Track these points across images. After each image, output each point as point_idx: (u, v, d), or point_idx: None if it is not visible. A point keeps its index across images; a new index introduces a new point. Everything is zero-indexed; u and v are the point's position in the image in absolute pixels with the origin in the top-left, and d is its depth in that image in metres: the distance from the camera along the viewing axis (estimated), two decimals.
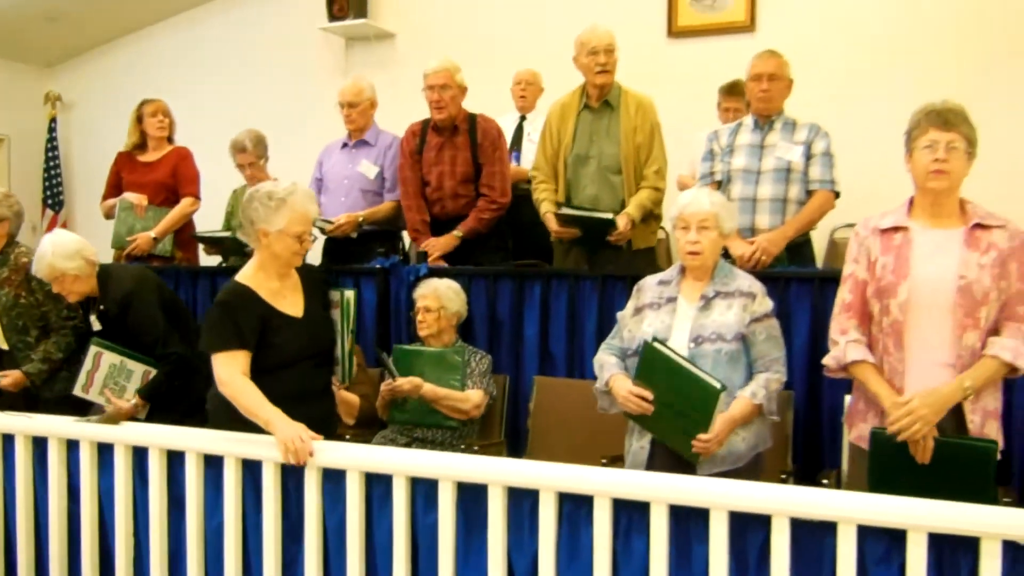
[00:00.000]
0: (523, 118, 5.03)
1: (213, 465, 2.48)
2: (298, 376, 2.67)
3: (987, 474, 2.24)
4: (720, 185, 3.67)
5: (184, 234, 4.71)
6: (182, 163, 4.72)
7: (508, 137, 4.61)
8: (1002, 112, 4.71)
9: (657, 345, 2.55)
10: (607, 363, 2.77)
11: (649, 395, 2.53)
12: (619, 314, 2.90)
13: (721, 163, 3.68)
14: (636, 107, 3.85)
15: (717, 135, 3.75)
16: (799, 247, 3.65)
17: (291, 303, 2.73)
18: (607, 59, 3.74)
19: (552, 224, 3.79)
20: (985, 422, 2.32)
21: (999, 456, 2.24)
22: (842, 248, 3.81)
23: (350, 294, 2.81)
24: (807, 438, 3.22)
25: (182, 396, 3.35)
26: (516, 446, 3.63)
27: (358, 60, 6.30)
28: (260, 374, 2.58)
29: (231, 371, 2.54)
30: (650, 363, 2.57)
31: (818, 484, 2.76)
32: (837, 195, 3.58)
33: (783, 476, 2.83)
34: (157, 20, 6.85)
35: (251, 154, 4.39)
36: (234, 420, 2.52)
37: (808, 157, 3.56)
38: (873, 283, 2.40)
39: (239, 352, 2.57)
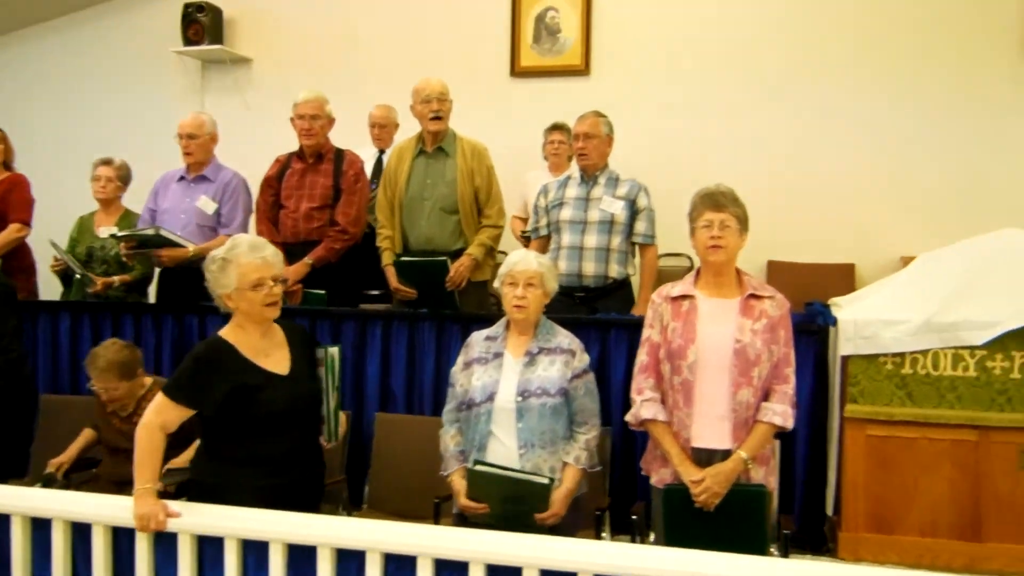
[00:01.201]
0: (382, 152, 5.17)
1: (41, 528, 2.50)
2: (286, 435, 2.61)
3: (761, 515, 2.63)
4: (548, 239, 3.98)
5: (17, 262, 4.57)
6: (15, 189, 4.58)
7: (368, 170, 4.74)
8: (829, 148, 5.29)
9: (479, 468, 2.79)
10: (447, 450, 2.98)
11: (484, 508, 2.79)
12: (451, 371, 3.10)
13: (548, 216, 3.98)
14: (471, 152, 4.08)
15: (546, 190, 4.05)
16: (620, 288, 3.97)
17: (276, 360, 2.65)
18: (439, 106, 3.95)
19: (392, 280, 4.00)
20: (757, 470, 2.68)
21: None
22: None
23: (334, 350, 2.72)
24: (623, 471, 3.54)
25: None
26: (359, 482, 3.77)
27: (215, 84, 6.26)
28: (247, 433, 2.56)
29: (156, 419, 2.50)
30: (477, 484, 2.82)
31: (629, 517, 3.09)
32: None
33: (598, 512, 3.12)
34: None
35: (112, 172, 4.46)
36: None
37: (633, 212, 3.91)
38: (665, 346, 2.71)
39: (181, 408, 2.52)
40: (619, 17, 5.62)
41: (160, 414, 2.52)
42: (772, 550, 2.86)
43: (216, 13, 5.99)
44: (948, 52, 5.12)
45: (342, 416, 2.77)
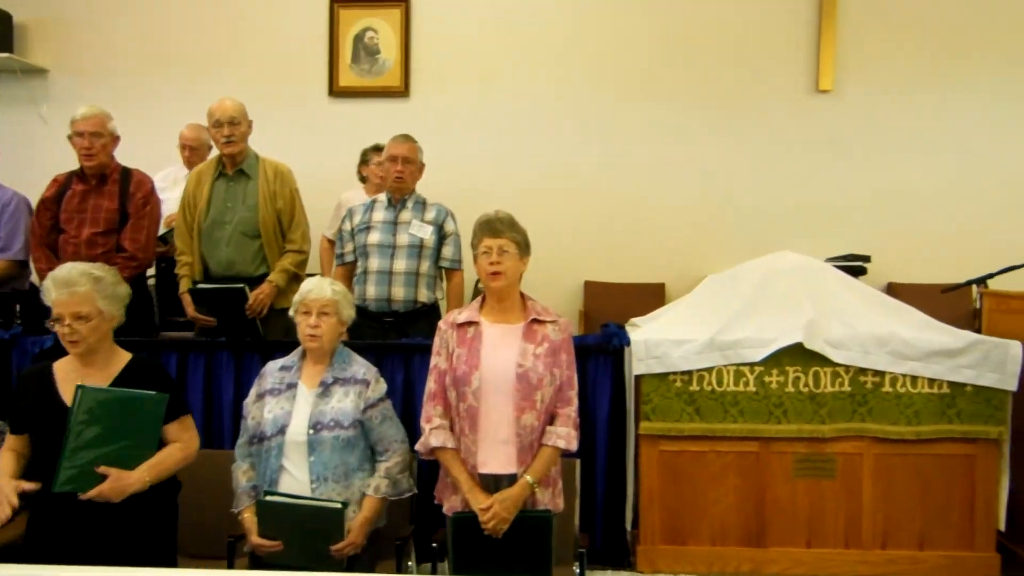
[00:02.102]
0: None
1: None
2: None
3: (547, 539, 2.66)
4: (354, 265, 3.92)
5: None
6: None
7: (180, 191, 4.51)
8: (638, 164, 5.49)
9: (268, 499, 2.69)
10: (239, 486, 2.87)
11: (276, 545, 2.69)
12: (245, 402, 2.99)
13: (354, 241, 3.92)
14: (274, 174, 3.95)
15: (351, 214, 3.99)
16: (429, 312, 3.95)
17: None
18: (231, 131, 3.81)
19: (188, 308, 3.83)
20: (543, 492, 2.71)
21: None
22: None
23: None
24: (431, 497, 3.50)
25: None
26: None
27: (6, 94, 5.79)
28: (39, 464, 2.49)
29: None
30: (268, 519, 2.71)
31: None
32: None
33: (398, 542, 3.06)
34: None
35: None
36: None
37: (441, 237, 3.92)
38: (451, 373, 2.71)
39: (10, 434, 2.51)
40: (438, 40, 5.65)
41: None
42: (574, 568, 2.91)
43: (5, 19, 5.56)
44: (747, 86, 5.48)
45: (115, 472, 2.48)
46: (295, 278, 3.98)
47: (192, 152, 4.93)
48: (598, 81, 5.58)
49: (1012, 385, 3.40)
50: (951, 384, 3.42)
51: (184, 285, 3.89)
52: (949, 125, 5.42)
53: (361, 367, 2.97)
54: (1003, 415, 3.42)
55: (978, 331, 3.76)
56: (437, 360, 2.78)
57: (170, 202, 4.55)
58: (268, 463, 2.81)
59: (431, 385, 2.78)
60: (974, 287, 4.07)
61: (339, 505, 2.68)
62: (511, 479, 2.66)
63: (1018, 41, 5.39)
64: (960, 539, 3.47)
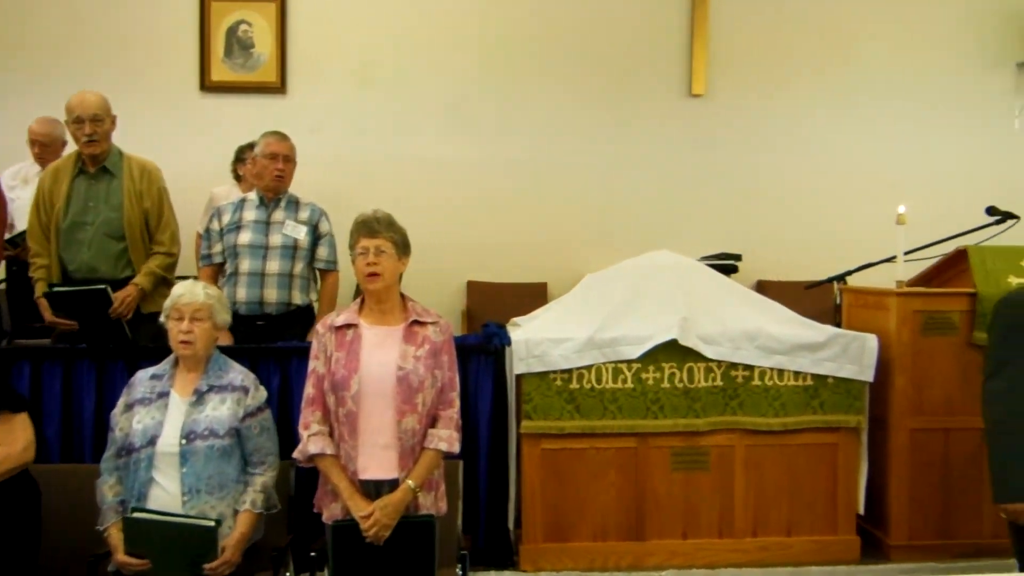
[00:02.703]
0: None
1: None
2: None
3: (430, 544, 2.62)
4: (222, 266, 3.77)
5: None
6: None
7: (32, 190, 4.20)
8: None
9: (136, 515, 2.57)
10: (104, 501, 2.73)
11: (144, 564, 2.55)
12: (112, 413, 2.84)
13: (223, 241, 3.77)
14: (140, 172, 3.76)
15: (220, 213, 3.83)
16: (303, 315, 3.85)
17: None
18: (94, 129, 3.58)
19: (46, 313, 3.59)
20: (426, 496, 2.68)
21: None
22: None
23: None
24: (309, 505, 3.41)
25: None
26: None
27: None
28: None
29: None
30: (135, 536, 2.58)
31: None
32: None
33: (274, 553, 2.96)
34: None
35: None
36: None
37: (316, 237, 3.82)
38: (329, 377, 2.64)
39: None
40: (315, 35, 5.53)
41: None
42: (457, 571, 2.89)
43: None
44: (624, 89, 5.63)
45: None
46: (163, 281, 3.80)
47: (43, 148, 4.59)
48: (479, 79, 5.59)
49: (869, 376, 3.60)
50: (814, 376, 3.59)
51: (40, 289, 3.64)
52: (812, 128, 5.72)
53: (239, 374, 2.87)
54: (861, 405, 3.63)
55: (838, 325, 3.97)
56: (315, 364, 2.70)
57: (20, 202, 4.26)
58: (137, 476, 2.69)
59: (309, 390, 2.71)
60: (835, 284, 4.29)
61: (212, 523, 2.58)
62: (393, 484, 2.62)
63: (871, 50, 5.73)
64: (824, 524, 3.65)
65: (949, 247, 3.90)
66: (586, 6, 5.62)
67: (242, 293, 3.70)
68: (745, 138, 5.69)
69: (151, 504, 2.66)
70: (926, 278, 3.98)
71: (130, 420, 2.75)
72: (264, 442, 2.86)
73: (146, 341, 3.70)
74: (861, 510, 3.67)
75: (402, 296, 2.77)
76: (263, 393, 2.91)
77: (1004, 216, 4.02)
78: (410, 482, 2.61)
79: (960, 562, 3.56)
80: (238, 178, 4.93)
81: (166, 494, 2.67)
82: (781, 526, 3.64)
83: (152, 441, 2.69)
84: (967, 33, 5.80)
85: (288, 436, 3.25)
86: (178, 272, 4.08)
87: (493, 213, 5.59)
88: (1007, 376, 2.61)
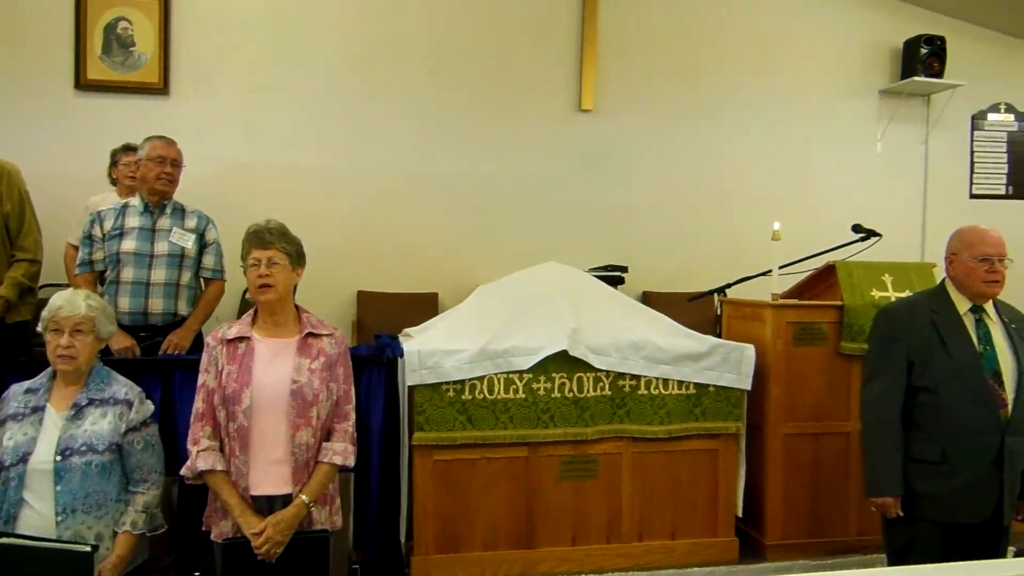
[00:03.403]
0: None
1: None
2: None
3: (325, 559, 2.60)
4: (103, 274, 3.61)
5: None
6: None
7: None
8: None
9: (3, 541, 2.41)
10: None
11: None
12: None
13: (104, 248, 3.62)
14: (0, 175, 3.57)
15: (101, 219, 3.66)
16: None
17: None
18: None
19: None
20: (320, 511, 2.66)
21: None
22: None
23: None
24: (195, 523, 3.30)
25: None
26: None
27: None
28: None
29: None
30: (2, 565, 2.42)
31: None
32: (225, 281, 3.82)
33: (155, 574, 2.86)
34: None
35: None
36: None
37: (202, 246, 3.72)
38: (220, 391, 2.58)
39: None
40: (202, 36, 5.36)
41: None
42: None
43: None
44: (516, 103, 5.71)
45: None
46: (28, 291, 3.61)
47: None
48: (371, 88, 5.56)
49: (747, 384, 3.78)
50: (697, 385, 3.74)
51: None
52: (695, 146, 5.96)
53: (123, 387, 2.76)
54: (740, 412, 3.80)
55: (719, 336, 4.16)
56: (205, 378, 2.63)
57: None
58: (5, 497, 2.55)
59: (199, 405, 2.63)
60: (716, 296, 4.49)
61: (87, 548, 2.44)
62: (286, 500, 2.58)
63: (751, 74, 6.03)
64: (706, 526, 3.81)
65: (819, 262, 4.15)
66: (478, 21, 5.68)
67: (125, 303, 3.56)
68: (632, 153, 5.87)
69: (21, 528, 2.52)
70: (799, 291, 4.21)
71: (0, 437, 2.60)
72: (147, 458, 2.76)
73: (12, 354, 3.51)
74: (740, 512, 3.85)
75: (296, 308, 2.73)
76: (149, 407, 2.81)
77: (868, 233, 4.31)
78: (304, 497, 2.58)
79: (829, 559, 3.78)
80: (114, 182, 4.72)
81: (37, 516, 2.54)
82: (665, 530, 3.77)
83: (24, 458, 2.56)
84: (836, 62, 6.19)
85: (171, 453, 3.16)
86: (42, 281, 3.89)
87: (384, 223, 5.56)
88: (881, 382, 2.83)
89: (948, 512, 2.73)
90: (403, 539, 3.56)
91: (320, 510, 2.66)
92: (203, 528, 2.70)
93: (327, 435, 2.67)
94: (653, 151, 5.90)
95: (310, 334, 2.68)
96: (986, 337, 2.78)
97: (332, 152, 5.50)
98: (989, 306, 2.83)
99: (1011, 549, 2.84)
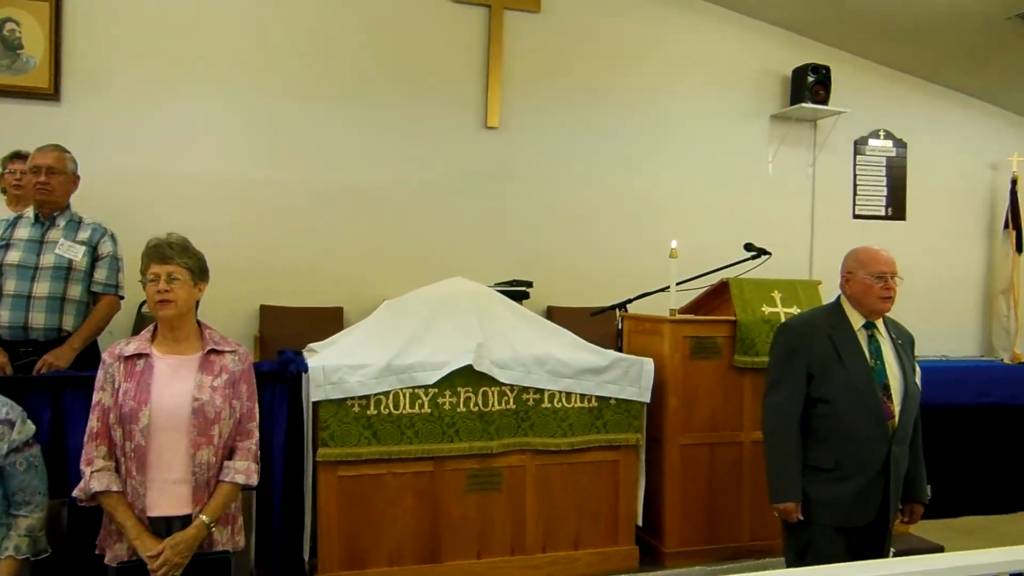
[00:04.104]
0: None
1: None
2: None
3: None
4: None
5: None
6: None
7: None
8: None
9: None
10: None
11: None
12: None
13: None
14: None
15: None
16: None
17: None
18: None
19: None
20: (221, 531, 2.61)
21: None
22: None
23: None
24: (87, 546, 3.18)
25: None
26: None
27: None
28: None
29: None
30: None
31: None
32: (121, 298, 3.69)
33: None
34: None
35: None
36: None
37: (94, 258, 3.59)
38: (116, 410, 2.51)
39: None
40: (95, 40, 5.19)
41: None
42: None
43: None
44: (424, 119, 5.74)
45: None
46: None
47: None
48: (277, 101, 5.49)
49: (646, 397, 3.90)
50: (598, 398, 3.84)
51: None
52: (597, 164, 6.11)
53: (3, 406, 2.66)
54: (639, 424, 3.92)
55: (620, 350, 4.27)
56: (101, 396, 2.55)
57: None
58: None
59: (93, 424, 2.55)
60: (617, 311, 4.61)
61: None
62: (185, 520, 2.53)
63: (652, 95, 6.23)
64: (607, 536, 3.90)
65: (714, 279, 4.32)
66: (386, 35, 5.69)
67: (5, 316, 3.41)
68: (537, 170, 5.98)
69: None
70: (695, 306, 4.38)
71: None
72: (31, 480, 2.66)
73: None
74: (640, 521, 3.96)
75: (199, 323, 2.68)
76: (31, 427, 2.71)
77: (759, 252, 4.51)
78: (204, 517, 2.53)
79: (725, 563, 3.93)
80: (3, 191, 4.52)
81: None
82: (569, 540, 3.84)
83: None
84: (731, 86, 6.47)
85: (60, 474, 3.05)
86: None
87: (289, 236, 5.49)
88: (781, 393, 2.99)
89: (839, 516, 2.91)
90: (307, 557, 3.52)
91: (221, 530, 2.62)
92: (96, 552, 2.61)
93: (229, 453, 2.63)
94: (557, 168, 6.03)
95: (212, 351, 2.63)
96: (877, 352, 2.97)
97: (235, 163, 5.40)
98: (880, 323, 3.03)
99: (892, 550, 3.04)
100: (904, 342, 3.07)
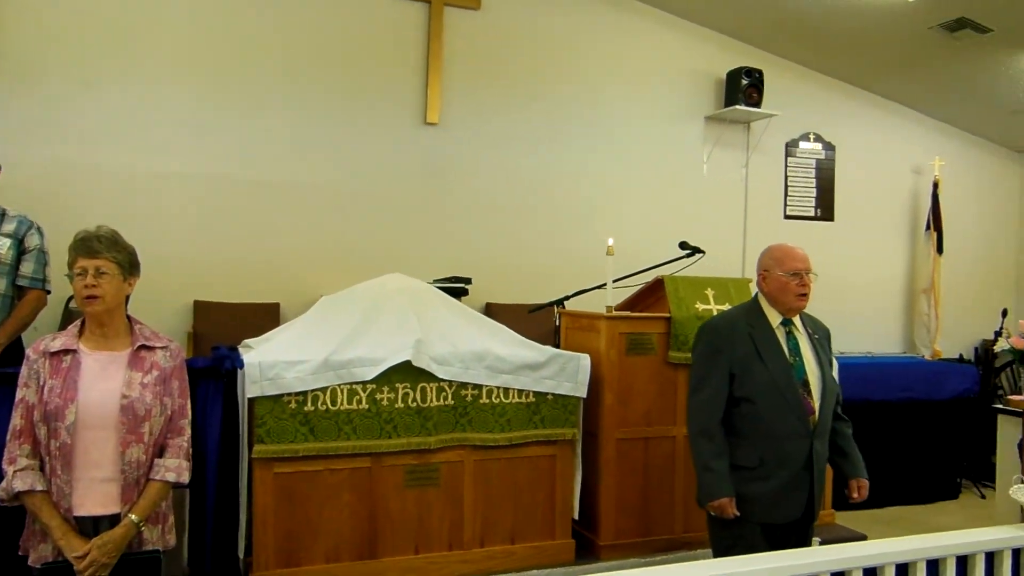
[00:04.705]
0: None
1: None
2: None
3: None
4: None
5: None
6: None
7: None
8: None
9: None
10: None
11: None
12: None
13: None
14: None
15: None
16: None
17: None
18: None
19: None
20: (151, 530, 2.57)
21: None
22: None
23: None
24: (7, 550, 3.09)
25: None
26: None
27: None
28: None
29: None
30: None
31: None
32: (48, 292, 3.59)
33: None
34: None
35: None
36: None
37: (20, 252, 3.50)
38: (40, 407, 2.44)
39: None
40: (25, 26, 5.00)
41: None
42: None
43: None
44: (363, 115, 5.68)
45: None
46: None
47: None
48: (214, 93, 5.38)
49: (583, 392, 3.96)
50: (536, 394, 3.88)
51: None
52: (536, 161, 6.14)
53: None
54: (576, 419, 3.97)
55: (557, 346, 4.32)
56: (25, 393, 2.48)
57: None
58: None
59: (16, 421, 2.48)
60: (555, 307, 4.66)
61: None
62: (113, 520, 2.48)
63: (590, 94, 6.30)
64: (544, 530, 3.95)
65: (650, 276, 4.40)
66: (325, 29, 5.63)
67: None
68: (476, 167, 6.00)
69: None
70: (631, 303, 4.46)
71: None
72: None
73: None
74: (576, 515, 4.02)
75: (128, 319, 2.63)
76: None
77: (693, 250, 4.61)
78: (133, 516, 2.48)
79: (659, 555, 4.01)
80: None
81: None
82: (506, 535, 3.88)
83: None
84: (668, 87, 6.58)
85: None
86: None
87: (224, 230, 5.39)
88: (705, 392, 3.01)
89: (765, 513, 2.93)
90: (241, 555, 3.48)
91: (151, 529, 2.57)
92: (20, 553, 2.54)
93: (160, 451, 2.58)
94: (497, 165, 6.05)
95: (143, 346, 2.59)
96: (795, 349, 3.00)
97: (169, 156, 5.27)
98: (796, 319, 3.06)
99: (816, 540, 3.12)
100: (820, 337, 3.10)
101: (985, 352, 7.13)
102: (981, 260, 7.73)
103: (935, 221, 7.17)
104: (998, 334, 6.17)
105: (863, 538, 4.21)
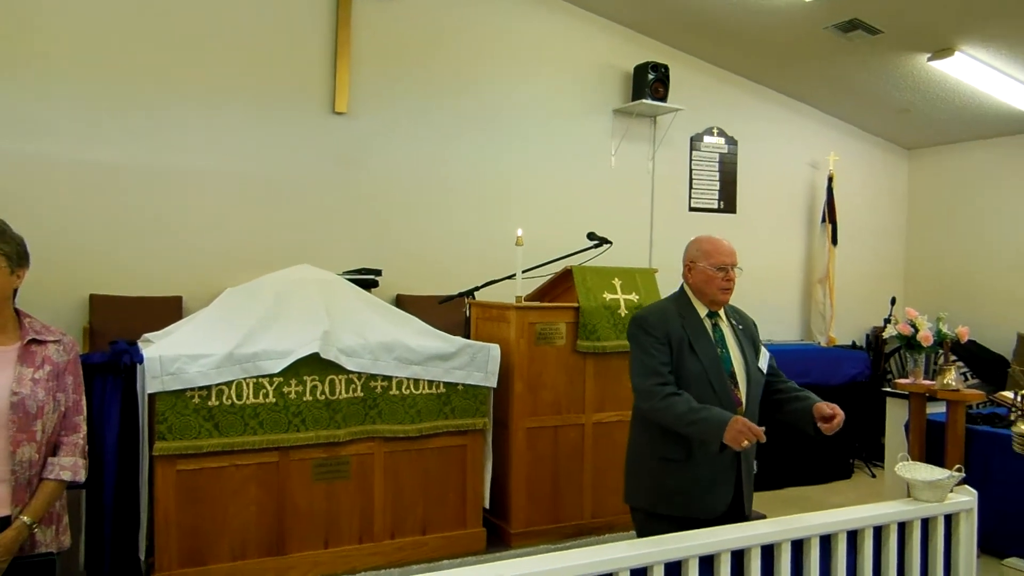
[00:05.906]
0: None
1: None
2: None
3: None
4: None
5: None
6: None
7: None
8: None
9: None
10: None
11: None
12: None
13: None
14: None
15: None
16: None
17: None
18: None
19: None
20: (45, 532, 2.46)
21: None
22: None
23: None
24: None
25: None
26: None
27: None
28: None
29: None
30: None
31: None
32: None
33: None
34: None
35: None
36: None
37: None
38: None
39: None
40: None
41: None
42: None
43: None
44: (270, 104, 5.55)
45: None
46: None
47: None
48: (119, 80, 5.17)
49: (493, 382, 3.99)
50: (446, 384, 3.89)
51: None
52: (447, 151, 6.14)
53: None
54: (486, 408, 4.00)
55: (468, 337, 4.34)
56: None
57: None
58: None
59: None
60: (465, 298, 4.68)
61: None
62: (4, 522, 2.36)
63: (502, 85, 6.32)
64: (455, 520, 3.97)
65: (559, 266, 4.46)
66: (233, 18, 5.48)
67: None
68: (386, 156, 5.95)
69: None
70: (541, 294, 4.51)
71: None
72: None
73: None
74: (487, 504, 4.05)
75: (17, 312, 2.51)
76: None
77: (601, 241, 4.70)
78: (24, 518, 2.38)
79: (568, 541, 4.08)
80: None
81: None
82: (417, 526, 3.88)
83: None
84: (577, 81, 6.66)
85: None
86: None
87: (121, 220, 5.20)
88: (651, 377, 2.79)
89: (688, 505, 2.81)
90: (143, 556, 3.38)
91: (45, 531, 2.47)
92: None
93: (53, 450, 2.48)
94: (406, 155, 6.01)
95: (33, 340, 2.47)
96: (721, 340, 2.93)
97: (66, 143, 5.05)
98: (722, 311, 3.00)
99: None
100: (745, 328, 3.06)
101: (876, 338, 7.49)
102: (872, 251, 8.12)
103: (830, 214, 7.50)
104: (887, 321, 6.49)
105: (762, 517, 4.37)
